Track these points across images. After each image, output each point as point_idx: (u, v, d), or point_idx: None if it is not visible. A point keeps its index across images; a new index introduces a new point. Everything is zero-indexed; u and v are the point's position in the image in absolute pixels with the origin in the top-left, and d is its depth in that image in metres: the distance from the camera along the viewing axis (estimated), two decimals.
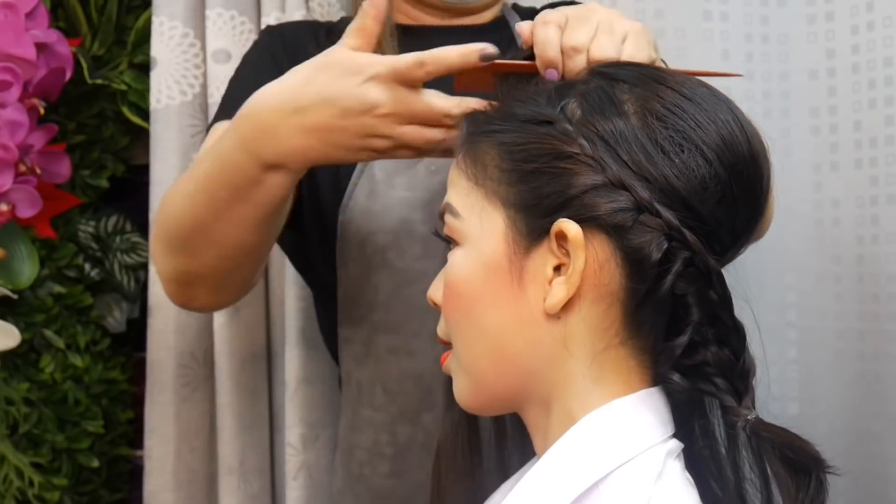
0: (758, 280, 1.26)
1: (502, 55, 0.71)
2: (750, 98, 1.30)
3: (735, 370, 0.62)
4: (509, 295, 0.63)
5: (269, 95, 0.75)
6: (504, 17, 1.09)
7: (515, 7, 1.14)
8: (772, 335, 1.29)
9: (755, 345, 0.64)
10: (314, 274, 1.07)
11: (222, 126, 0.91)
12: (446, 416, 0.77)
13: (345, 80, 0.70)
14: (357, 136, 0.71)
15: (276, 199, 0.79)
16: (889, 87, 1.23)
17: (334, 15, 1.29)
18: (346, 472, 1.01)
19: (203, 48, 1.31)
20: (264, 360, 1.32)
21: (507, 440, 0.76)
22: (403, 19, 1.06)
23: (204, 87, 1.31)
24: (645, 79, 0.64)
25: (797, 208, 1.30)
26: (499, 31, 1.06)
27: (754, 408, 0.62)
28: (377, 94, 0.70)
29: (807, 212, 1.30)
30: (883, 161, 1.24)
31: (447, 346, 0.70)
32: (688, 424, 0.67)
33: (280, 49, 1.01)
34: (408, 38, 1.02)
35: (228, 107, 0.97)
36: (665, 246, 0.60)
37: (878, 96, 1.24)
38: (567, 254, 0.61)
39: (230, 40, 1.29)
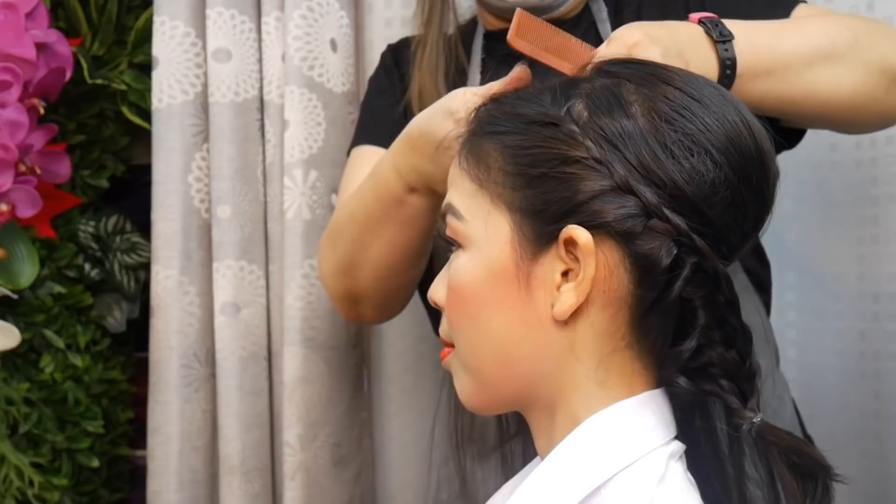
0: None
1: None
2: None
3: (741, 372, 0.62)
4: (516, 300, 0.63)
5: (415, 121, 0.85)
6: (588, 9, 1.07)
7: None
8: None
9: None
10: None
11: (363, 151, 1.07)
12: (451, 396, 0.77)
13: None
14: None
15: (418, 222, 0.90)
16: None
17: (333, 14, 1.30)
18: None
19: (204, 47, 1.31)
20: (265, 360, 1.32)
21: (508, 425, 0.77)
22: (489, 26, 1.10)
23: (205, 86, 1.30)
24: (650, 78, 0.64)
25: (797, 208, 1.30)
26: (579, 26, 1.04)
27: (759, 410, 0.61)
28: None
29: (807, 211, 1.31)
30: (883, 161, 1.24)
31: (449, 346, 0.70)
32: (690, 426, 0.66)
33: (393, 68, 1.14)
34: (495, 42, 1.09)
35: (362, 128, 1.12)
36: (674, 252, 0.60)
37: None
38: (575, 259, 0.61)
39: (231, 39, 1.29)
